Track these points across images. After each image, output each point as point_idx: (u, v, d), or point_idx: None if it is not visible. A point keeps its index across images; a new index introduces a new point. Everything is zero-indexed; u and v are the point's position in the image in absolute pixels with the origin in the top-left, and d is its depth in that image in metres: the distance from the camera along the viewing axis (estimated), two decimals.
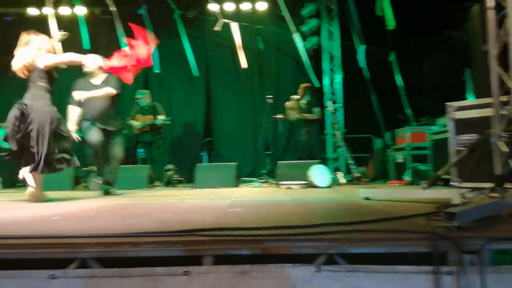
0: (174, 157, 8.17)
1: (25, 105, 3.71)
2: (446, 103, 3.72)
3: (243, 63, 7.88)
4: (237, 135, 8.55)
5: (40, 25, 7.84)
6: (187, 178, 7.41)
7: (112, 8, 7.84)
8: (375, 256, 1.65)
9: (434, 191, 3.30)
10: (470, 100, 4.83)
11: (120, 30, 7.72)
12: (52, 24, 7.82)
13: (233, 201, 3.71)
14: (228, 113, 8.62)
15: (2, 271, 1.66)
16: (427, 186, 3.16)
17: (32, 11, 8.08)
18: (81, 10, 8.04)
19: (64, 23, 7.95)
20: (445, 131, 4.65)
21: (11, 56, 3.93)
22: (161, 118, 7.17)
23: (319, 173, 5.71)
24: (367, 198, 3.49)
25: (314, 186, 5.62)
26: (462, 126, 3.55)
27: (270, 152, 7.63)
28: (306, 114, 6.95)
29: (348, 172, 7.44)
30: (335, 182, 6.28)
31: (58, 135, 3.86)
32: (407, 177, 6.11)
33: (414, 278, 1.60)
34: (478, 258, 1.58)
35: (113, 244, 1.66)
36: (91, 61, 4.48)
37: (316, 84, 7.99)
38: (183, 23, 8.17)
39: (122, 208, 3.26)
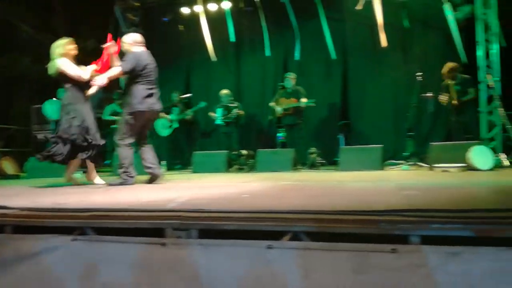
0: (313, 140, 8.32)
1: None
2: None
3: (383, 41, 7.59)
4: (375, 117, 8.30)
5: (192, 23, 8.72)
6: (328, 160, 7.49)
7: None
8: None
9: None
10: None
11: (263, 21, 8.06)
12: (202, 20, 8.53)
13: (400, 183, 3.66)
14: (366, 94, 8.41)
15: (224, 240, 1.94)
16: None
17: (185, 10, 8.90)
18: (226, 5, 8.59)
19: (212, 18, 8.65)
20: None
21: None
22: (304, 101, 7.36)
23: (481, 155, 5.26)
24: None
25: (475, 169, 5.21)
26: None
27: (413, 133, 7.26)
28: (461, 98, 6.52)
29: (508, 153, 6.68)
30: (497, 165, 5.73)
31: None
32: None
33: None
34: None
35: (323, 220, 1.81)
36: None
37: (464, 59, 7.29)
38: (323, 5, 8.17)
39: (300, 188, 3.49)
